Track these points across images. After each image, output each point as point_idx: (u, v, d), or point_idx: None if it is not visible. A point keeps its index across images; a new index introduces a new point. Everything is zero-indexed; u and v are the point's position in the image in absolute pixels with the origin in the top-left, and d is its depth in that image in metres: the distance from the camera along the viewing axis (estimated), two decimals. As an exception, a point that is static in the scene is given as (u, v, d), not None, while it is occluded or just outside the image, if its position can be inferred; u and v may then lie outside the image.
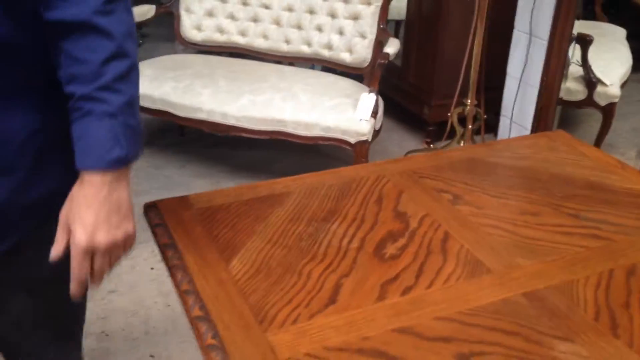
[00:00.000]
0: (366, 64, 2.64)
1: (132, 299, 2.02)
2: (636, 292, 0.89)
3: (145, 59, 2.85)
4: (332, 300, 0.88)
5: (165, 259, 1.01)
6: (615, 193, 1.14)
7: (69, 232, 0.84)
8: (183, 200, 1.13)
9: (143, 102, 2.62)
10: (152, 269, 2.17)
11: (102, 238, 0.83)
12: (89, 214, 0.83)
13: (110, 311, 1.95)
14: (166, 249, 1.02)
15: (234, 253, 0.98)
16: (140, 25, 2.92)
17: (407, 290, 0.90)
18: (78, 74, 0.82)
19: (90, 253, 0.84)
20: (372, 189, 1.16)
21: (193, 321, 0.86)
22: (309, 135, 2.39)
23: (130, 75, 0.85)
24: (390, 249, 0.99)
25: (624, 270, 0.93)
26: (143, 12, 2.84)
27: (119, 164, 0.84)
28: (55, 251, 0.85)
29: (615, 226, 1.04)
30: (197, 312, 0.87)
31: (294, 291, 0.90)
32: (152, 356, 1.78)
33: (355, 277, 0.93)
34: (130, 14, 0.86)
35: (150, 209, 1.12)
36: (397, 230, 1.04)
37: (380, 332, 0.82)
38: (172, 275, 0.96)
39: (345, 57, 2.68)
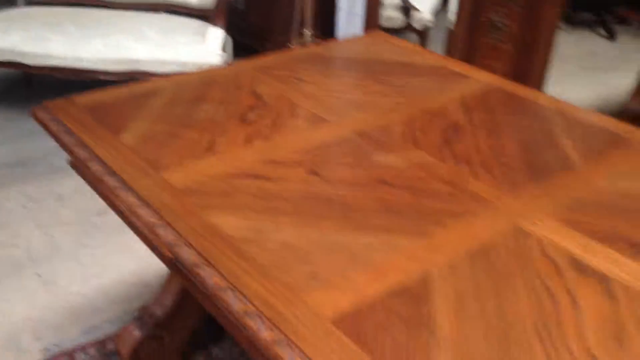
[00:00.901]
0: (211, 5, 2.83)
1: (9, 233, 2.10)
2: (430, 123, 1.23)
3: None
4: (210, 150, 1.12)
5: (63, 144, 1.18)
6: (418, 68, 1.49)
7: None
8: (68, 101, 1.30)
9: (-11, 55, 2.61)
10: (24, 207, 2.25)
11: None
12: None
13: (-11, 248, 2.02)
14: (62, 136, 1.19)
15: (124, 130, 1.18)
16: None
17: (267, 138, 1.16)
18: None
19: None
20: (232, 80, 1.40)
21: (100, 177, 1.06)
22: (164, 71, 2.55)
23: None
24: (251, 116, 1.25)
25: (422, 112, 1.27)
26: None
27: None
28: None
29: (418, 89, 1.38)
30: (100, 170, 1.07)
31: (178, 148, 1.13)
32: (38, 275, 1.90)
33: (226, 135, 1.17)
34: None
35: (39, 109, 1.27)
36: (255, 104, 1.30)
37: (250, 163, 1.08)
38: (73, 153, 1.15)
39: (191, 0, 2.85)
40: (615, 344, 0.72)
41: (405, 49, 1.60)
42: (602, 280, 0.82)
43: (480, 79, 1.44)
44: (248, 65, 1.49)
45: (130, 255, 1.96)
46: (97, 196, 1.12)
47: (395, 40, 1.66)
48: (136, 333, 1.40)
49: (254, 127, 1.20)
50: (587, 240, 0.89)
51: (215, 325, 1.43)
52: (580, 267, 0.84)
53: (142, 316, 1.43)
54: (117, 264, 1.96)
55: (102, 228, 2.13)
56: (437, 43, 3.31)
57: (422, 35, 3.04)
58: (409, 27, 3.02)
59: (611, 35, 4.12)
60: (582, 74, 3.60)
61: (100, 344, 1.61)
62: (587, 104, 3.00)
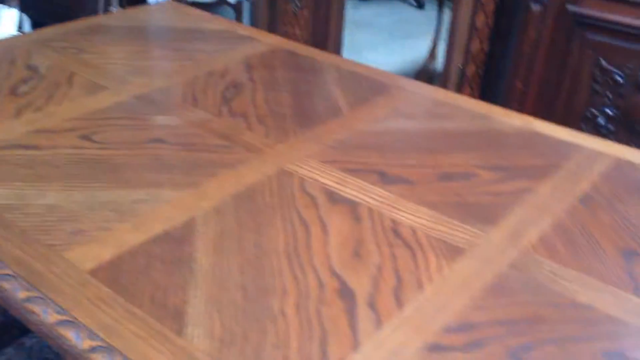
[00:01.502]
0: (4, -16, 2.64)
1: None
2: (211, 83, 1.26)
3: None
4: (-25, 125, 1.07)
5: None
6: (206, 33, 1.51)
7: None
8: None
9: None
10: None
11: None
12: None
13: None
14: None
15: None
16: None
17: (39, 109, 1.12)
18: None
19: None
20: (3, 54, 1.33)
21: None
22: (-47, 57, 2.35)
23: None
24: (24, 89, 1.20)
25: (205, 74, 1.30)
26: None
27: None
28: None
29: (204, 52, 1.40)
30: None
31: (-61, 126, 1.06)
32: None
33: (-6, 109, 1.12)
34: None
35: None
36: (29, 76, 1.24)
37: (19, 134, 1.04)
38: None
39: (-20, -21, 2.64)
40: (355, 259, 0.80)
41: (196, 17, 1.61)
42: (351, 207, 0.90)
43: (267, 41, 1.49)
44: (24, 39, 1.43)
45: None
46: None
47: (186, 8, 1.66)
48: None
49: (25, 99, 1.16)
50: (343, 175, 0.97)
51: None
52: (334, 198, 0.91)
53: None
54: None
55: None
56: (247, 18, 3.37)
57: (237, 8, 3.06)
58: (223, 2, 3.03)
59: (420, 4, 4.42)
60: (394, 41, 3.84)
61: None
62: (395, 68, 3.21)
